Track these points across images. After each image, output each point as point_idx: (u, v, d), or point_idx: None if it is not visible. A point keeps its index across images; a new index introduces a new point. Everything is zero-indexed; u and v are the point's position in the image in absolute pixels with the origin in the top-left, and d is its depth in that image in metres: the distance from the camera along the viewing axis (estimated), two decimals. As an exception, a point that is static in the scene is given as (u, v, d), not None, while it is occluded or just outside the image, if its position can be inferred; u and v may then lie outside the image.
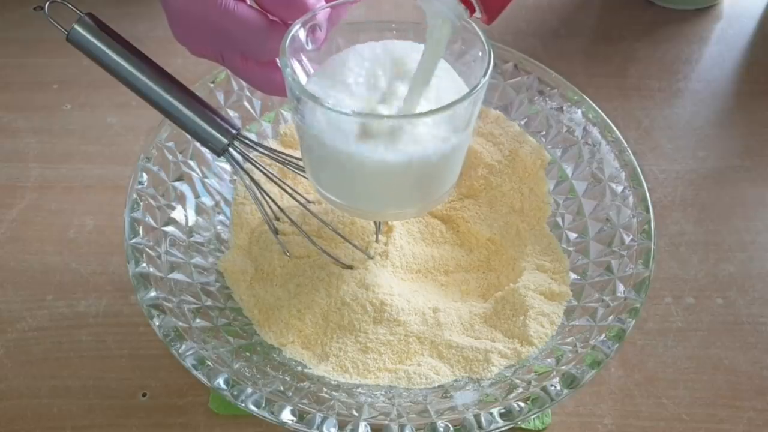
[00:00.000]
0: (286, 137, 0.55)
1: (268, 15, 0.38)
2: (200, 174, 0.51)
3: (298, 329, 0.46)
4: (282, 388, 0.40)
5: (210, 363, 0.39)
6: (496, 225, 0.51)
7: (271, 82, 0.40)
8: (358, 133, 0.35)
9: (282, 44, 0.36)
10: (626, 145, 0.49)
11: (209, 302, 0.45)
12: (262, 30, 0.37)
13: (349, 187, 0.40)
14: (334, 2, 0.38)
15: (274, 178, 0.48)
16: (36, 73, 0.66)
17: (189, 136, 0.44)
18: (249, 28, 0.37)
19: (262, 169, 0.47)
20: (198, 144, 0.45)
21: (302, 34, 0.38)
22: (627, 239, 0.46)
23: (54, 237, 0.54)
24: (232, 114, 0.53)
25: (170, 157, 0.49)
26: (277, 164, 0.51)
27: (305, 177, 0.48)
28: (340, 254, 0.48)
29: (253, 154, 0.47)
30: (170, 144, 0.49)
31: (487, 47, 0.37)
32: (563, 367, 0.40)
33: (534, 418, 0.45)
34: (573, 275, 0.47)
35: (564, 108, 0.52)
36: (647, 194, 0.47)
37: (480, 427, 0.38)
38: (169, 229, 0.47)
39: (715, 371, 0.48)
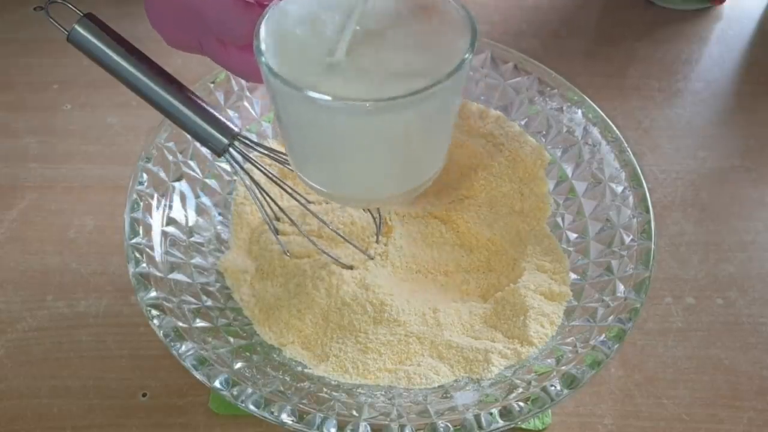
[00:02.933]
0: (286, 137, 0.55)
1: None
2: (200, 174, 0.51)
3: (298, 329, 0.46)
4: (282, 389, 0.40)
5: (210, 363, 0.39)
6: (496, 225, 0.51)
7: (250, 67, 0.39)
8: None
9: (256, 28, 0.35)
10: (626, 145, 0.49)
11: (209, 302, 0.45)
12: (237, 12, 0.36)
13: (331, 164, 0.39)
14: None
15: (274, 178, 0.48)
16: (36, 73, 0.66)
17: (189, 137, 0.44)
18: (224, 11, 0.36)
19: (263, 169, 0.47)
20: (198, 144, 0.45)
21: (275, 14, 0.37)
22: (627, 239, 0.46)
23: (54, 237, 0.54)
24: (232, 114, 0.53)
25: (170, 158, 0.49)
26: (277, 164, 0.51)
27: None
28: (341, 254, 0.48)
29: (253, 155, 0.47)
30: (170, 144, 0.49)
31: (465, 11, 0.35)
32: (563, 368, 0.40)
33: (534, 419, 0.45)
34: (573, 275, 0.47)
35: (564, 108, 0.52)
36: (647, 194, 0.47)
37: (480, 427, 0.38)
38: (169, 229, 0.47)
39: (715, 371, 0.48)
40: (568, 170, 0.51)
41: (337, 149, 0.38)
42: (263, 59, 0.35)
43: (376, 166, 0.39)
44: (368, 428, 0.38)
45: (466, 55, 0.34)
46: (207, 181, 0.51)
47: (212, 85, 0.52)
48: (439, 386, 0.43)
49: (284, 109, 0.36)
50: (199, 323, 0.43)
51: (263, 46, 0.35)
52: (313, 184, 0.41)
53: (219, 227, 0.50)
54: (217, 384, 0.39)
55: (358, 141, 0.36)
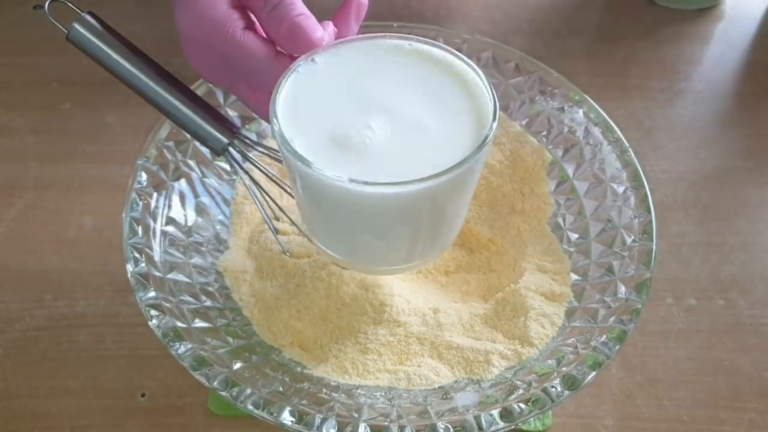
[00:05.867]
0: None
1: (276, 46, 0.38)
2: (200, 173, 0.51)
3: (298, 330, 0.45)
4: (281, 389, 0.40)
5: (209, 364, 0.39)
6: (497, 225, 0.51)
7: None
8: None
9: (275, 90, 0.35)
10: (628, 145, 0.49)
11: (208, 302, 0.45)
12: (267, 61, 0.37)
13: (346, 238, 0.40)
14: (339, 40, 0.38)
15: (274, 178, 0.47)
16: (35, 72, 0.66)
17: (188, 136, 0.43)
18: (254, 59, 0.37)
19: (262, 168, 0.46)
20: (197, 143, 0.45)
21: (303, 68, 0.37)
22: (628, 240, 0.46)
23: (53, 237, 0.54)
24: (231, 113, 0.53)
25: (169, 157, 0.49)
26: (277, 163, 0.51)
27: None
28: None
29: (252, 154, 0.47)
30: (169, 143, 0.49)
31: (490, 91, 0.36)
32: (564, 369, 0.40)
33: (534, 420, 0.44)
34: (574, 276, 0.47)
35: (565, 108, 0.52)
36: (649, 195, 0.47)
37: (480, 428, 0.38)
38: (169, 228, 0.47)
39: (716, 373, 0.48)
40: (570, 170, 0.51)
41: (353, 224, 0.38)
42: (277, 128, 0.35)
43: (393, 241, 0.39)
44: (368, 429, 0.38)
45: (490, 131, 0.35)
46: (206, 180, 0.51)
47: (212, 85, 0.52)
48: (439, 387, 0.43)
49: (298, 180, 0.36)
50: (198, 323, 0.42)
51: (280, 112, 0.35)
52: (329, 251, 0.41)
53: (218, 227, 0.50)
54: (216, 384, 0.38)
55: (376, 218, 0.36)
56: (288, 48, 0.37)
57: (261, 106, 0.40)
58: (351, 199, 0.34)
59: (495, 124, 0.35)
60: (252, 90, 0.40)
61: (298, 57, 0.37)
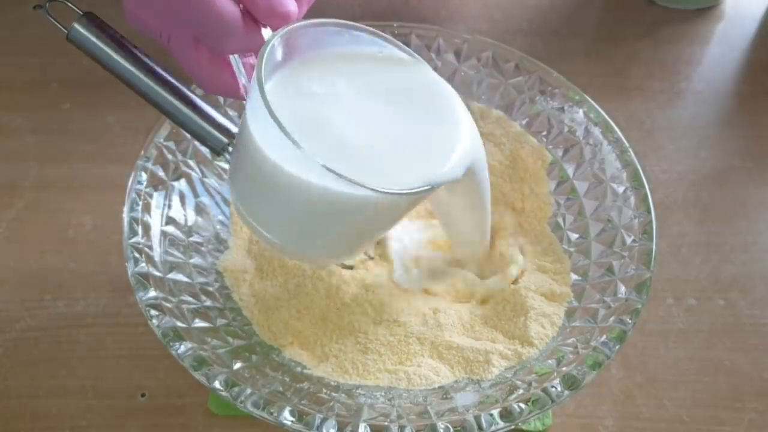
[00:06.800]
0: (286, 137, 0.55)
1: (244, 8, 0.35)
2: (200, 173, 0.51)
3: (298, 330, 0.45)
4: (281, 389, 0.40)
5: (209, 363, 0.39)
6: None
7: (216, 80, 0.38)
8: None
9: (258, 61, 0.34)
10: (628, 145, 0.49)
11: (208, 302, 0.45)
12: (233, 25, 0.34)
13: (292, 225, 0.39)
14: (321, 20, 0.38)
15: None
16: (35, 72, 0.66)
17: (188, 136, 0.43)
18: (218, 19, 0.34)
19: (262, 168, 0.46)
20: (197, 143, 0.45)
21: (278, 45, 0.36)
22: (628, 240, 0.46)
23: (53, 237, 0.54)
24: (231, 113, 0.53)
25: (169, 157, 0.49)
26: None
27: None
28: (340, 254, 0.48)
29: (252, 154, 0.47)
30: (169, 143, 0.49)
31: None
32: (564, 369, 0.40)
33: (534, 420, 0.44)
34: (574, 276, 0.47)
35: (565, 108, 0.52)
36: (649, 195, 0.47)
37: (480, 428, 0.38)
38: (169, 228, 0.47)
39: (717, 373, 0.48)
40: (570, 170, 0.51)
41: (300, 213, 0.37)
42: (263, 94, 0.33)
43: (341, 236, 0.39)
44: (368, 429, 0.38)
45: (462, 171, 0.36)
46: (206, 180, 0.51)
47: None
48: (439, 387, 0.43)
49: (263, 161, 0.35)
50: (198, 323, 0.42)
51: (270, 85, 0.35)
52: (249, 219, 0.41)
53: (218, 227, 0.50)
54: (216, 384, 0.38)
55: (325, 212, 0.36)
56: (262, 17, 0.35)
57: (199, 68, 0.38)
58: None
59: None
60: (197, 48, 0.37)
61: (263, 25, 0.36)
